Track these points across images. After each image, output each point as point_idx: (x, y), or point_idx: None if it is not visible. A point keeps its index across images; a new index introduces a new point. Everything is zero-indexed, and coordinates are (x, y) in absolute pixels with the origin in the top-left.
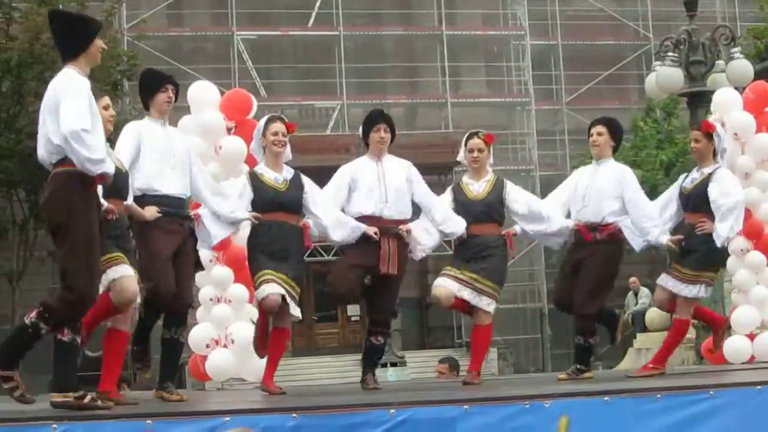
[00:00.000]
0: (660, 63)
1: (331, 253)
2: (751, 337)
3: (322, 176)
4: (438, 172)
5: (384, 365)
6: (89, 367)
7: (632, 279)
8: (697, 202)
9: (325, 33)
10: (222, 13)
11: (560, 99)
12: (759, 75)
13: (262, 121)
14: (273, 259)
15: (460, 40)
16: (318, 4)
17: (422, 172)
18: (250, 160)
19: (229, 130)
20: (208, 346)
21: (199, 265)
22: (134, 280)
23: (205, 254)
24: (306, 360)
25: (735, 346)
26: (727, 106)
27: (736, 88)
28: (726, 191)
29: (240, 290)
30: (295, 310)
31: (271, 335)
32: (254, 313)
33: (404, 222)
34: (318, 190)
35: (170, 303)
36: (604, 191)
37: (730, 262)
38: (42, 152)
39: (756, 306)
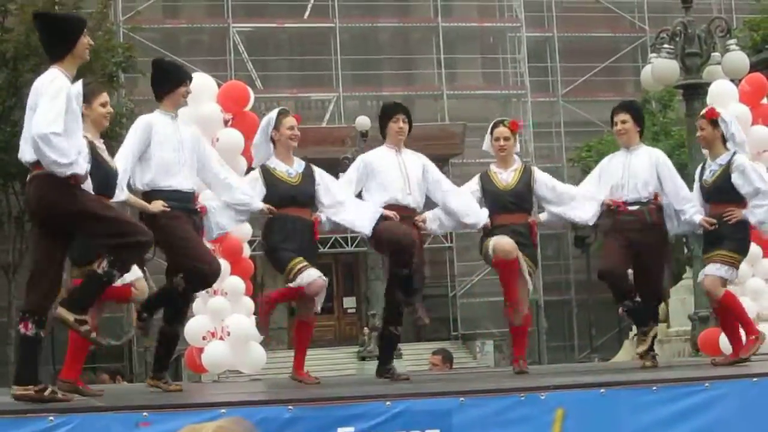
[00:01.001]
0: (656, 55)
1: (327, 246)
2: None
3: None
4: (434, 163)
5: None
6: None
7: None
8: (720, 192)
9: (320, 25)
10: (217, 5)
11: (556, 91)
12: (755, 67)
13: (272, 114)
14: (288, 252)
15: (456, 32)
16: None
17: None
18: (247, 153)
19: (226, 122)
20: (204, 339)
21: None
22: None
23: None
24: None
25: None
26: (723, 98)
27: (732, 80)
28: (754, 179)
29: (236, 282)
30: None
31: (298, 326)
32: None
33: (419, 212)
34: (331, 181)
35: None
36: (640, 177)
37: None
38: (22, 150)
39: (751, 298)
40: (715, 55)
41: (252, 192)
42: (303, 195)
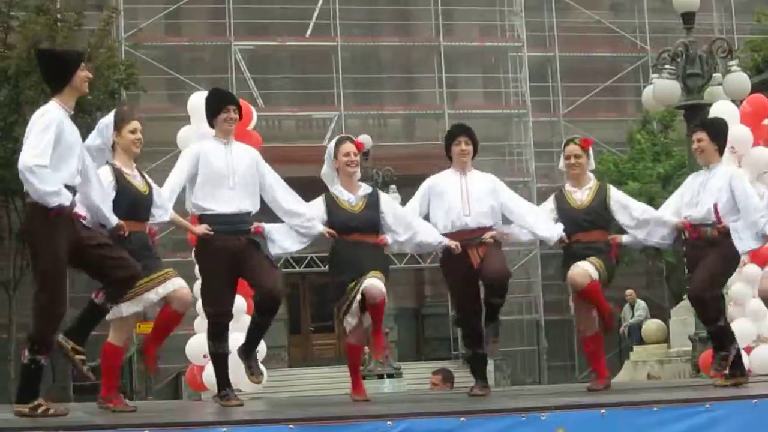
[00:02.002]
0: (657, 75)
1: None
2: (748, 350)
3: (318, 187)
4: None
5: (380, 376)
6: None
7: (628, 291)
8: None
9: (322, 43)
10: (220, 23)
11: (557, 110)
12: (756, 88)
13: (332, 143)
14: (350, 275)
15: (457, 51)
16: (316, 14)
17: (420, 183)
18: None
19: None
20: (205, 357)
21: (273, 264)
22: (188, 290)
23: None
24: (302, 371)
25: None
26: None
27: (733, 101)
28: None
29: (238, 301)
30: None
31: (350, 350)
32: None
33: (488, 230)
34: (396, 207)
35: (228, 320)
36: (711, 198)
37: None
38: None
39: (752, 319)
40: (717, 75)
41: (313, 215)
42: (364, 223)
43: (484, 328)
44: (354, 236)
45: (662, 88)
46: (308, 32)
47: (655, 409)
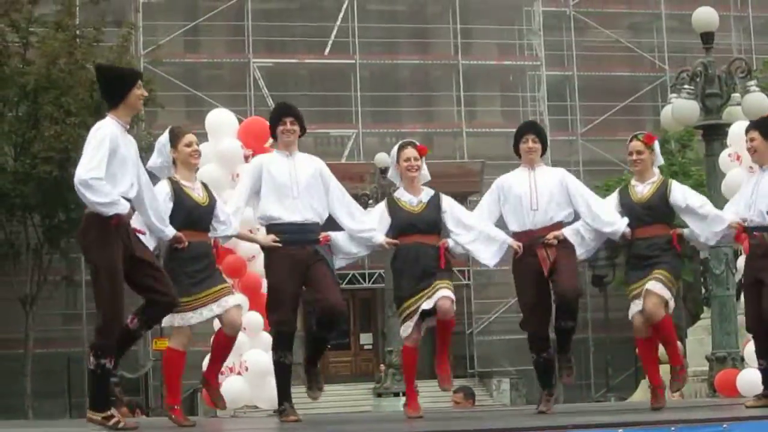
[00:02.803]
0: (676, 95)
1: (344, 282)
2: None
3: None
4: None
5: (396, 394)
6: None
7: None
8: None
9: (341, 61)
10: (238, 41)
11: (575, 129)
12: None
13: (395, 148)
14: (414, 282)
15: (475, 70)
16: (334, 32)
17: None
18: None
19: (246, 158)
20: (222, 373)
21: (335, 279)
22: (240, 311)
23: None
24: None
25: (749, 379)
26: (743, 140)
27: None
28: None
29: (255, 318)
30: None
31: (406, 353)
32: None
33: (558, 227)
34: (458, 209)
35: (292, 330)
36: (766, 195)
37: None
38: None
39: None
40: (735, 95)
41: (376, 225)
42: (424, 223)
43: (557, 356)
44: (414, 237)
45: (681, 108)
46: (327, 50)
47: (672, 428)
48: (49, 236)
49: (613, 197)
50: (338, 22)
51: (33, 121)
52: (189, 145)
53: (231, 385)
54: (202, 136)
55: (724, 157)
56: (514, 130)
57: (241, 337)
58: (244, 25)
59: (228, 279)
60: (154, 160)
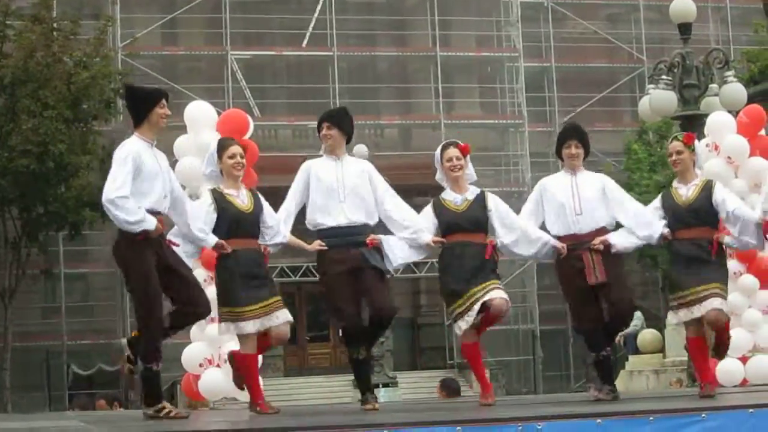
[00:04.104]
0: (654, 86)
1: None
2: (744, 360)
3: None
4: (433, 193)
5: (376, 386)
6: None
7: None
8: None
9: (319, 53)
10: (216, 33)
11: (553, 121)
12: (752, 98)
13: (438, 150)
14: (462, 280)
15: (454, 62)
16: (312, 24)
17: (417, 192)
18: (246, 180)
19: None
20: (201, 366)
21: (384, 280)
22: (289, 326)
23: (200, 273)
24: (297, 380)
25: (727, 369)
26: (721, 130)
27: (730, 112)
28: None
29: None
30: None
31: (469, 349)
32: None
33: (602, 232)
34: (503, 208)
35: (362, 328)
36: None
37: None
38: None
39: (748, 329)
40: (713, 86)
41: (422, 226)
42: (468, 222)
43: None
44: (458, 236)
45: (659, 99)
46: (305, 42)
47: (650, 418)
48: (28, 230)
49: (656, 201)
50: (316, 14)
51: (10, 115)
52: (232, 157)
53: (210, 378)
54: (180, 129)
55: (702, 148)
56: (493, 121)
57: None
58: (222, 18)
59: None
60: (205, 168)
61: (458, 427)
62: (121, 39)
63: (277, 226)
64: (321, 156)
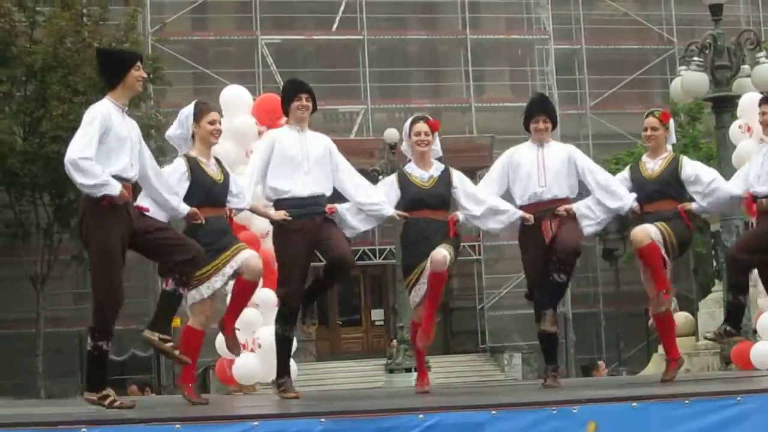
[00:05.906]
0: (685, 68)
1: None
2: (749, 345)
3: None
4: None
5: (408, 370)
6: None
7: None
8: None
9: (349, 37)
10: (246, 18)
11: (584, 103)
12: None
13: (407, 122)
14: (423, 254)
15: (484, 45)
16: (342, 8)
17: None
18: None
19: (260, 134)
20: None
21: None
22: (258, 259)
23: None
24: (330, 364)
25: (762, 351)
26: (753, 111)
27: (762, 93)
28: None
29: (268, 294)
30: None
31: (414, 328)
32: None
33: (564, 201)
34: (468, 184)
35: (297, 305)
36: None
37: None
38: None
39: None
40: (745, 67)
41: (384, 198)
42: (433, 198)
43: (540, 301)
44: (424, 212)
45: (690, 80)
46: (335, 26)
47: (686, 402)
48: (59, 215)
49: (624, 173)
50: None
51: (41, 101)
52: (212, 123)
53: (244, 363)
54: None
55: (734, 129)
56: (523, 104)
57: (254, 314)
58: (252, 2)
59: None
60: (173, 130)
61: (493, 411)
62: (151, 24)
63: (242, 192)
64: (283, 126)
